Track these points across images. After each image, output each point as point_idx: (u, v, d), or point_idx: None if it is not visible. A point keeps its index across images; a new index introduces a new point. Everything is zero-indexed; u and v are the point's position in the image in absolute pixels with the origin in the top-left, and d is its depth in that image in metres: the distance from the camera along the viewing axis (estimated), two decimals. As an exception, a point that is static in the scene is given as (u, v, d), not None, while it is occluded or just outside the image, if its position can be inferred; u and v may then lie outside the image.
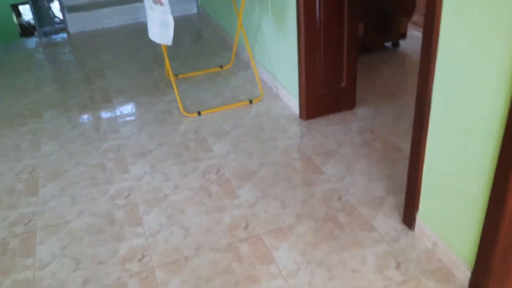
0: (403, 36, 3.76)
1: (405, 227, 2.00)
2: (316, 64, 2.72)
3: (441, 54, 1.56)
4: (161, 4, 2.47)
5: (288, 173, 2.41)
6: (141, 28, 4.79)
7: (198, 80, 3.54)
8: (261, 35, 3.33)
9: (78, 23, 4.80)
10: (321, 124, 2.84)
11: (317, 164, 2.47)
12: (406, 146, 2.54)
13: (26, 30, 8.36)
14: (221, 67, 3.71)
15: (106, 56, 4.15)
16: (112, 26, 4.91)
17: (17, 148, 2.84)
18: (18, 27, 8.41)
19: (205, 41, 4.34)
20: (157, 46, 4.06)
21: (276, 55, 3.12)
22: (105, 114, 3.16)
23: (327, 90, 2.84)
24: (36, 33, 4.91)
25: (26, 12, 8.36)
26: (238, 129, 2.84)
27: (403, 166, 2.39)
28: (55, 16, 5.40)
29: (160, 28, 2.56)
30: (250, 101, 3.15)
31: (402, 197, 2.16)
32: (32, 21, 7.93)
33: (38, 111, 3.28)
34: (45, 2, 5.13)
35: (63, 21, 4.85)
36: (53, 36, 4.83)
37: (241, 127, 2.86)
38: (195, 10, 5.15)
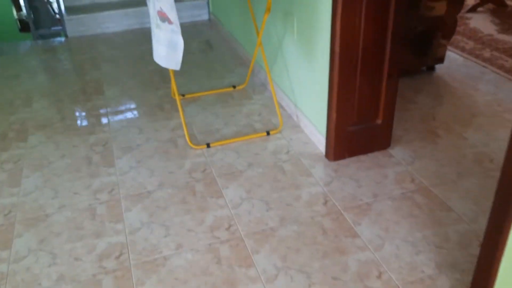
0: (441, 60, 3.33)
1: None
2: (350, 97, 2.30)
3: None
4: (170, 22, 2.05)
5: (315, 235, 1.99)
6: (147, 34, 4.36)
7: (207, 102, 3.12)
8: (281, 55, 2.90)
9: (77, 26, 4.38)
10: (351, 167, 2.41)
11: (349, 222, 2.05)
12: (456, 205, 2.12)
13: (26, 25, 7.95)
14: (234, 87, 3.28)
15: (106, 66, 3.73)
16: (115, 30, 4.49)
17: (-6, 182, 2.44)
18: (18, 22, 8.01)
19: (216, 52, 3.91)
20: (163, 59, 3.63)
21: (300, 81, 2.69)
22: (99, 142, 2.74)
23: (360, 127, 2.42)
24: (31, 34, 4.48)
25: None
26: (254, 169, 2.42)
27: (455, 233, 1.96)
28: (55, 13, 4.99)
29: (167, 50, 2.14)
30: (268, 133, 2.73)
31: (458, 279, 1.74)
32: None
33: (24, 132, 2.86)
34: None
35: (61, 23, 4.43)
36: (50, 40, 4.41)
37: (257, 167, 2.44)
38: (206, 17, 4.72)
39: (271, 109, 3.00)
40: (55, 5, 4.87)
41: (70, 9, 4.45)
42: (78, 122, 2.95)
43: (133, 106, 3.11)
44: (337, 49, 2.15)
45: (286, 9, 2.67)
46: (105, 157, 2.58)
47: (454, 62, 3.56)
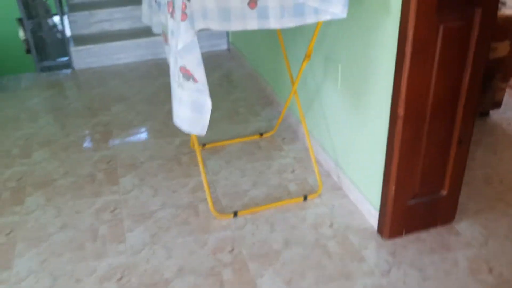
0: (498, 105, 2.91)
1: None
2: (413, 166, 1.88)
3: None
4: (195, 80, 1.65)
5: None
6: (161, 67, 3.98)
7: (231, 154, 2.71)
8: (319, 104, 2.49)
9: (85, 58, 4.01)
10: (411, 249, 1.98)
11: (419, 334, 1.62)
12: (555, 311, 1.68)
13: (26, 47, 7.62)
14: (261, 134, 2.88)
15: (116, 106, 3.34)
16: (126, 62, 4.12)
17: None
18: (24, 43, 7.70)
19: (238, 90, 3.51)
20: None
21: (344, 138, 2.28)
22: (106, 209, 2.33)
23: (421, 199, 2.00)
24: (36, 65, 4.11)
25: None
26: (292, 249, 2.00)
27: None
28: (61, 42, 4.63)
29: (192, 112, 1.74)
30: (305, 197, 2.31)
31: None
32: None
33: (20, 194, 2.46)
34: (48, 23, 4.34)
35: (68, 54, 4.06)
36: (55, 72, 4.04)
37: (296, 245, 2.02)
38: (224, 46, 4.34)
39: (306, 164, 2.58)
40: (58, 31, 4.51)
41: (77, 39, 4.09)
42: (83, 175, 2.55)
43: (146, 159, 2.71)
44: (401, 112, 1.73)
45: (329, 54, 2.27)
46: (114, 231, 2.18)
47: (511, 106, 3.13)
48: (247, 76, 3.76)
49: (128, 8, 4.22)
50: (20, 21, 5.16)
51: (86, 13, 4.15)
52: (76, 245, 2.08)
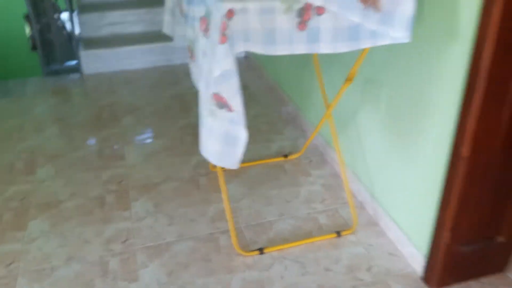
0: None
1: None
2: (471, 211, 1.65)
3: None
4: (230, 110, 1.42)
5: None
6: (174, 74, 3.75)
7: (254, 178, 2.48)
8: (354, 128, 2.26)
9: (94, 62, 3.78)
10: (462, 301, 1.76)
11: None
12: None
13: (32, 44, 7.40)
14: (285, 156, 2.65)
15: (127, 118, 3.12)
16: (138, 68, 3.89)
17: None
18: (30, 40, 7.47)
19: (258, 105, 3.28)
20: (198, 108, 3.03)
21: (384, 169, 2.05)
22: (117, 239, 2.11)
23: (475, 246, 1.77)
24: (42, 70, 3.89)
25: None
26: (327, 298, 1.78)
27: None
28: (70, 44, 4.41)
29: (223, 145, 1.51)
30: (338, 233, 2.08)
31: None
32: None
33: (23, 217, 2.24)
34: (56, 23, 4.11)
35: (76, 58, 3.83)
36: (62, 76, 3.81)
37: (331, 294, 1.80)
38: (241, 54, 4.11)
39: (337, 193, 2.35)
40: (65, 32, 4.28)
41: (86, 42, 3.86)
42: (92, 197, 2.33)
43: (160, 180, 2.48)
44: (465, 152, 1.50)
45: (371, 76, 2.04)
46: (126, 266, 1.95)
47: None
48: (266, 88, 3.53)
49: (142, 10, 3.99)
50: (27, 17, 4.93)
51: (96, 14, 3.93)
52: (84, 281, 1.86)
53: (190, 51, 1.82)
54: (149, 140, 2.84)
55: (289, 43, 1.37)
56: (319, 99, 2.64)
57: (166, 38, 3.86)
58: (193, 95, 3.34)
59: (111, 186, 2.44)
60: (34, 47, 7.21)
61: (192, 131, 2.92)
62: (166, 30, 2.13)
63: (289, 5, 1.35)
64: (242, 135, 1.49)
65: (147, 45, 3.84)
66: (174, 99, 3.35)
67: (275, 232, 2.11)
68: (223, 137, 1.51)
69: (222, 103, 1.44)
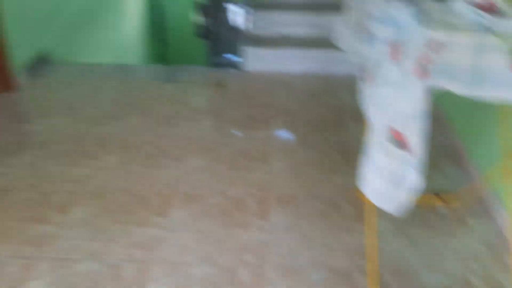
0: None
1: None
2: None
3: None
4: (408, 150, 1.24)
5: None
6: (334, 85, 3.61)
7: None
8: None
9: (257, 60, 3.82)
10: None
11: None
12: None
13: (201, 32, 7.75)
14: (437, 195, 2.36)
15: (277, 121, 3.07)
16: (296, 71, 3.83)
17: None
18: (200, 29, 7.86)
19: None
20: (358, 121, 2.88)
21: None
22: (251, 249, 2.06)
23: None
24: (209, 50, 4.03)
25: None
26: None
27: None
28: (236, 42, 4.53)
29: (388, 185, 1.34)
30: (495, 306, 1.78)
31: None
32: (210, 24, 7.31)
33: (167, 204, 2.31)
34: (226, 17, 4.23)
35: (241, 54, 3.90)
36: (224, 69, 3.92)
37: None
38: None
39: (497, 255, 2.03)
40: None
41: (253, 39, 3.92)
42: (232, 206, 2.32)
43: (302, 194, 2.39)
44: None
45: None
46: (254, 280, 1.89)
47: None
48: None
49: (312, 15, 3.94)
50: (204, 8, 5.19)
51: (265, 13, 3.97)
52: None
53: (366, 72, 1.67)
54: (296, 148, 2.76)
55: (498, 85, 1.14)
56: (495, 142, 2.30)
57: (330, 45, 3.73)
58: (350, 111, 3.17)
59: (251, 189, 2.41)
60: (202, 35, 7.63)
61: (342, 149, 2.76)
62: (342, 45, 2.00)
63: (507, 42, 1.12)
64: (411, 177, 1.30)
65: (310, 50, 3.77)
66: (329, 111, 3.22)
67: (419, 285, 1.88)
68: (388, 176, 1.34)
69: (400, 142, 1.27)
